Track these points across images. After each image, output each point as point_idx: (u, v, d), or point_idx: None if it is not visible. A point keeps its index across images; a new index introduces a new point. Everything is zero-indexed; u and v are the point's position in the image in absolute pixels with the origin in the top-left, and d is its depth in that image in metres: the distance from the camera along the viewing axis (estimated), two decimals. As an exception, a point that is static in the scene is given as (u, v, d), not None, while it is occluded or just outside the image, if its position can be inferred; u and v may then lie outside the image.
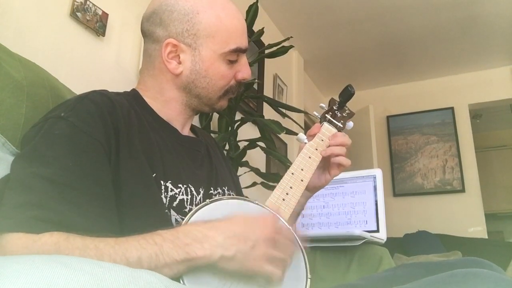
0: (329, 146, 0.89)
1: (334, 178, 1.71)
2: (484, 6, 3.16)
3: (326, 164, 0.92)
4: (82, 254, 0.55)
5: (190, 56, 0.80)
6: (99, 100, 0.71)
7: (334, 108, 0.94)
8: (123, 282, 0.41)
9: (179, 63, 0.81)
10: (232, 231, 0.62)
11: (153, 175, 0.72)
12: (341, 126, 0.93)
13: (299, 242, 0.77)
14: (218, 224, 0.63)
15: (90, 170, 0.64)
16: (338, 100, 0.94)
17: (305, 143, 0.89)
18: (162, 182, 0.73)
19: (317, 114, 0.95)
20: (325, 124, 0.91)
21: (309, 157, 0.87)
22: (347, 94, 0.91)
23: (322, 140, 0.89)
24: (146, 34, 0.84)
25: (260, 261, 0.62)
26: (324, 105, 0.96)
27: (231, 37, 0.81)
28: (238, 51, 0.83)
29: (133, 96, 0.83)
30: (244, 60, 0.86)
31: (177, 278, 0.60)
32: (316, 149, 0.88)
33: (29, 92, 0.78)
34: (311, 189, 0.93)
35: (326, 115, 0.93)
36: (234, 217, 0.65)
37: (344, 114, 0.94)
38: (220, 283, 0.64)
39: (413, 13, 3.26)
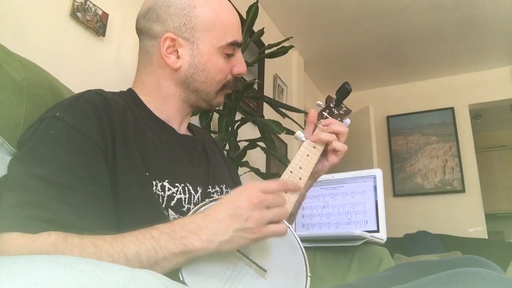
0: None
1: (335, 178, 1.73)
2: (484, 7, 3.16)
3: (324, 152, 0.91)
4: (81, 252, 0.55)
5: (189, 50, 0.81)
6: (95, 100, 0.71)
7: (331, 105, 0.94)
8: (123, 282, 0.41)
9: (178, 57, 0.81)
10: (222, 214, 0.63)
11: (146, 174, 0.72)
12: None
13: (299, 243, 0.77)
14: (210, 211, 0.64)
15: (86, 169, 0.65)
16: (335, 97, 0.94)
17: (303, 141, 0.89)
18: (157, 181, 0.73)
19: None
20: (322, 121, 0.91)
21: (307, 155, 0.87)
22: (344, 91, 0.91)
23: None
24: (142, 31, 0.84)
25: (259, 228, 0.63)
26: (321, 103, 0.96)
27: (228, 31, 0.82)
28: (235, 44, 0.84)
29: (129, 96, 0.83)
30: (239, 55, 0.87)
31: (175, 272, 0.60)
32: (314, 147, 0.88)
33: (29, 92, 0.78)
34: (310, 177, 0.93)
35: (323, 112, 0.93)
36: (220, 200, 0.66)
37: (341, 112, 0.94)
38: (221, 272, 0.64)
39: (413, 13, 3.26)
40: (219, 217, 0.62)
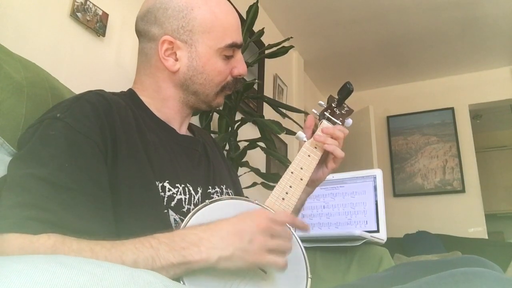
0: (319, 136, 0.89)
1: (335, 178, 1.73)
2: (484, 7, 3.16)
3: (323, 158, 0.92)
4: (78, 256, 0.55)
5: (187, 52, 0.81)
6: (95, 100, 0.71)
7: (333, 105, 0.93)
8: (123, 281, 0.41)
9: (176, 60, 0.81)
10: (227, 230, 0.62)
11: (152, 174, 0.72)
12: (340, 123, 0.92)
13: (300, 243, 0.77)
14: (213, 225, 0.63)
15: (86, 170, 0.64)
16: (337, 97, 0.93)
17: (304, 141, 0.89)
18: (158, 182, 0.73)
19: (315, 112, 0.95)
20: (324, 121, 0.91)
21: (308, 156, 0.87)
22: (345, 91, 0.91)
23: None
24: (141, 33, 0.84)
25: (260, 254, 0.63)
26: (323, 103, 0.95)
27: (227, 33, 0.82)
28: (234, 46, 0.83)
29: (130, 96, 0.83)
30: (239, 56, 0.86)
31: (177, 279, 0.60)
32: (315, 148, 0.88)
33: (29, 92, 0.78)
34: (310, 184, 0.93)
35: (325, 112, 0.92)
36: (225, 218, 0.65)
37: (343, 112, 0.93)
38: (222, 273, 0.64)
39: (413, 13, 3.26)
40: (222, 233, 0.62)
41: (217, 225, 0.63)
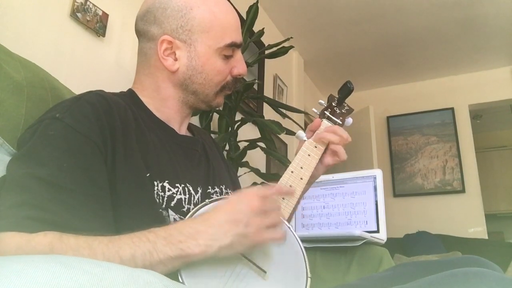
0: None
1: (335, 178, 1.73)
2: (484, 7, 3.16)
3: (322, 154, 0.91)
4: (76, 253, 0.55)
5: (186, 52, 0.81)
6: (95, 101, 0.71)
7: (333, 104, 0.93)
8: (123, 281, 0.41)
9: (175, 59, 0.81)
10: (222, 218, 0.63)
11: (147, 175, 0.72)
12: (340, 122, 0.92)
13: (299, 243, 0.77)
14: (207, 215, 0.64)
15: (85, 170, 0.64)
16: (337, 96, 0.93)
17: (304, 140, 0.89)
18: (157, 182, 0.73)
19: (316, 111, 0.95)
20: (324, 121, 0.91)
21: (308, 155, 0.87)
22: (346, 90, 0.91)
23: None
24: (141, 33, 0.84)
25: (259, 234, 0.64)
26: (323, 102, 0.95)
27: (226, 32, 0.81)
28: (233, 45, 0.83)
29: (130, 96, 0.83)
30: (239, 55, 0.86)
31: (174, 273, 0.60)
32: (315, 147, 0.88)
33: (29, 92, 0.78)
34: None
35: (325, 111, 0.92)
36: (219, 205, 0.66)
37: (343, 111, 0.93)
38: (221, 273, 0.64)
39: (413, 14, 3.26)
40: (218, 222, 0.62)
41: (212, 215, 0.64)
